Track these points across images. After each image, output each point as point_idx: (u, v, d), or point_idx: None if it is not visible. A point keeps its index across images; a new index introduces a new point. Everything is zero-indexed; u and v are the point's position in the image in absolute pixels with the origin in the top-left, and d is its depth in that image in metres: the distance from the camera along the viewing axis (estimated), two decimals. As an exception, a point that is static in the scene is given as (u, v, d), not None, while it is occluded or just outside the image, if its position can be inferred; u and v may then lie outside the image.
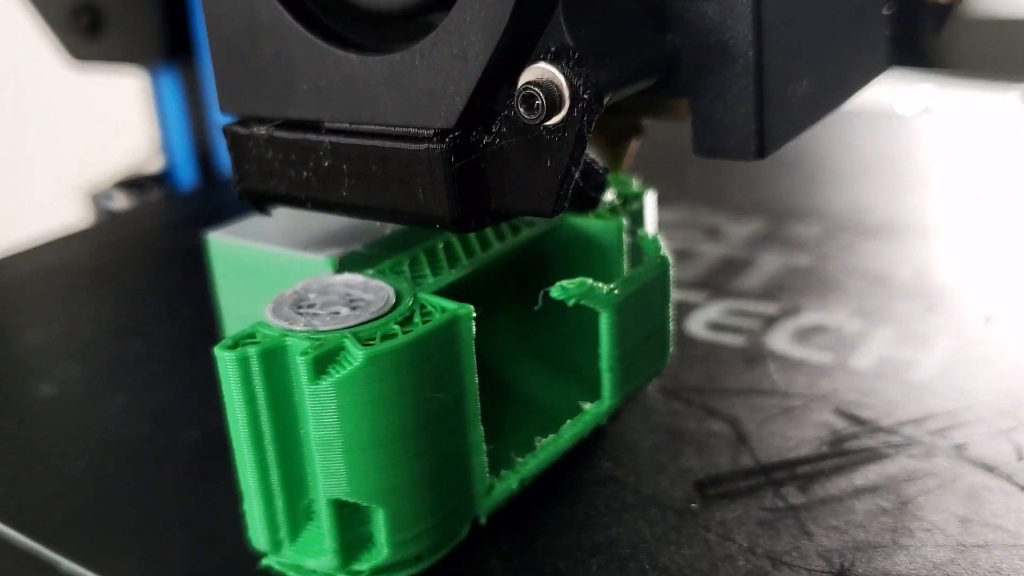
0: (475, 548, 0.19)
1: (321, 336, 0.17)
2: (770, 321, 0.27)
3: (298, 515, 0.18)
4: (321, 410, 0.17)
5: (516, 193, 0.17)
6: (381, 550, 0.18)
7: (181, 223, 0.40)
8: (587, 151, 0.18)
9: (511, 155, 0.17)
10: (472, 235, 0.21)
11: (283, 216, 0.23)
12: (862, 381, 0.24)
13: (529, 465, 0.20)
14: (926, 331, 0.26)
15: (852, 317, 0.27)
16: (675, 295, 0.21)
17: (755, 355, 0.25)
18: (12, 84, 0.75)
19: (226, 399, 0.18)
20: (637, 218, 0.22)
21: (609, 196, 0.22)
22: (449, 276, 0.20)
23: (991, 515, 0.19)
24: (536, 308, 0.19)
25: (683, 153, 0.20)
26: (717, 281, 0.29)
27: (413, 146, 0.18)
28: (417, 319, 0.18)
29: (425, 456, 0.18)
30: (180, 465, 0.23)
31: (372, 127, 0.18)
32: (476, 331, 0.18)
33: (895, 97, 0.50)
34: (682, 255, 0.31)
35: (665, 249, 0.21)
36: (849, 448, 0.21)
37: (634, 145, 0.23)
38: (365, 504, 0.18)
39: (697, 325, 0.27)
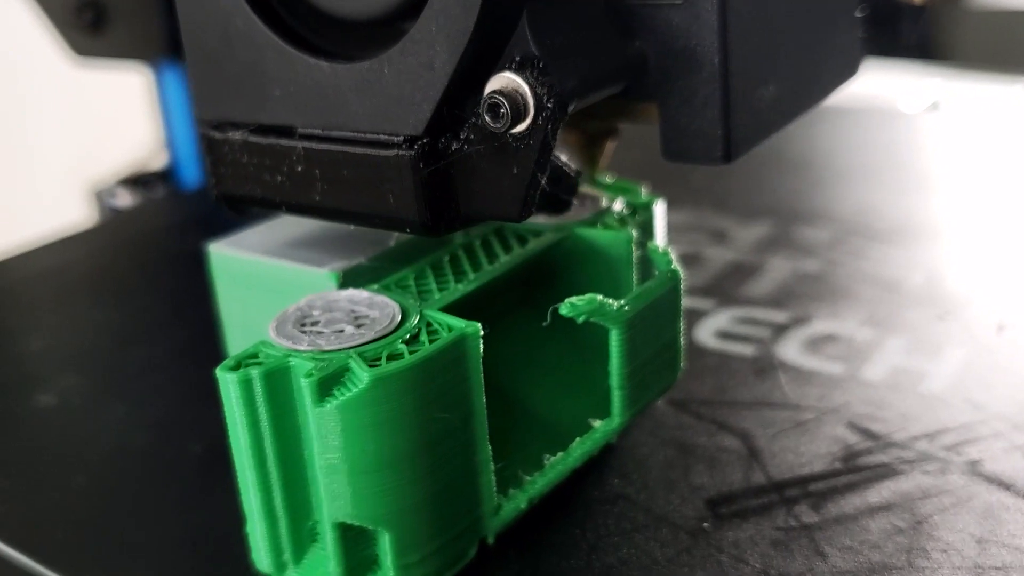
0: (483, 569, 0.19)
1: (326, 356, 0.17)
2: (780, 330, 0.26)
3: (302, 537, 0.18)
4: (326, 432, 0.17)
5: (484, 198, 0.18)
6: (387, 573, 0.18)
7: (185, 223, 0.40)
8: (561, 154, 0.19)
9: (479, 161, 0.18)
10: (479, 248, 0.21)
11: (286, 226, 0.23)
12: (874, 393, 0.23)
13: (538, 484, 0.19)
14: (939, 340, 0.25)
15: (863, 326, 0.26)
16: (683, 302, 0.21)
17: (765, 365, 0.25)
18: (15, 80, 0.75)
19: (228, 420, 0.17)
20: (646, 228, 0.22)
21: (618, 206, 0.22)
22: (456, 291, 0.19)
23: (1008, 535, 0.19)
24: (544, 324, 0.19)
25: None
26: (725, 288, 0.29)
27: (383, 152, 0.18)
28: (424, 338, 0.18)
29: (431, 477, 0.18)
30: (183, 479, 0.22)
31: (343, 133, 0.19)
32: (483, 347, 0.18)
33: (901, 94, 0.49)
34: (689, 260, 0.31)
35: (676, 262, 0.20)
36: (862, 464, 0.21)
37: (609, 147, 0.23)
38: (370, 527, 0.17)
39: (706, 334, 0.26)
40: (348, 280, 0.20)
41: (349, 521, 0.17)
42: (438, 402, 0.17)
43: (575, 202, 0.21)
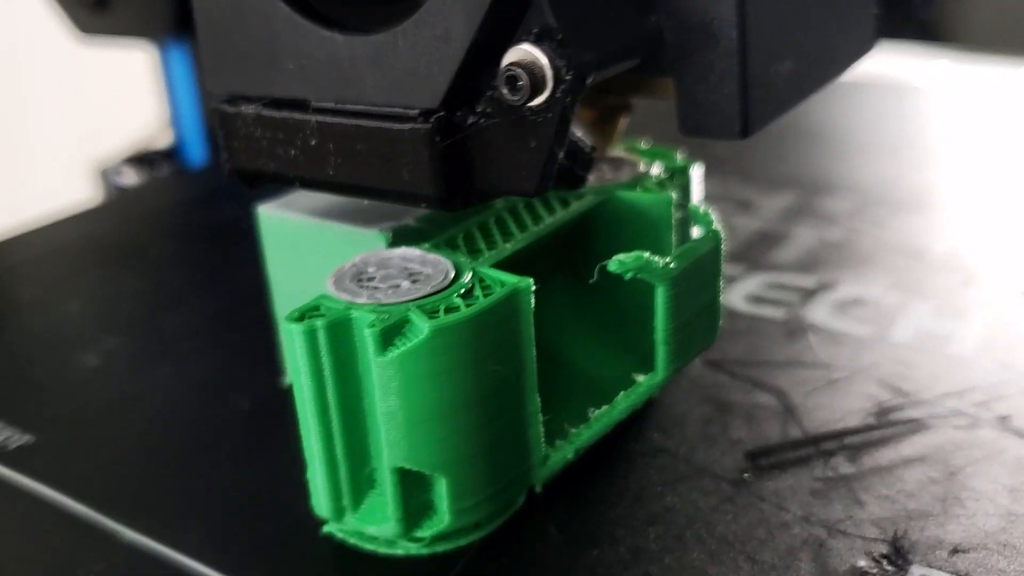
0: (532, 517, 0.19)
1: (386, 309, 0.18)
2: (808, 294, 0.27)
3: (361, 483, 0.19)
4: (387, 382, 0.17)
5: (500, 172, 0.18)
6: (443, 517, 0.18)
7: (199, 199, 0.40)
8: (575, 130, 0.19)
9: (495, 135, 0.18)
10: (523, 209, 0.21)
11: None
12: (903, 354, 0.24)
13: (584, 435, 0.20)
14: (963, 305, 0.26)
15: (889, 291, 0.27)
16: (718, 266, 0.22)
17: (796, 328, 0.25)
18: (20, 59, 0.75)
19: (292, 370, 0.18)
20: (684, 192, 0.23)
21: (656, 170, 0.23)
22: (505, 250, 0.20)
23: (1039, 485, 0.19)
24: (591, 281, 0.20)
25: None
26: (753, 254, 0.29)
27: (398, 126, 0.18)
28: (478, 292, 0.18)
29: (486, 427, 0.18)
30: (232, 435, 0.23)
31: (357, 107, 0.19)
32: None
33: (916, 71, 0.50)
34: (714, 229, 0.32)
35: (716, 223, 0.21)
36: (895, 419, 0.22)
37: (623, 123, 0.24)
38: (428, 473, 0.18)
39: (737, 298, 0.27)
40: (397, 240, 0.21)
41: (408, 467, 0.18)
42: (493, 354, 0.18)
43: (611, 167, 0.22)
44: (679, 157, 0.23)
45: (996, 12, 0.49)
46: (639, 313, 0.21)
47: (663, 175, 0.22)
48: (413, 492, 0.18)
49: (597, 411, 0.20)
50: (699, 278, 0.20)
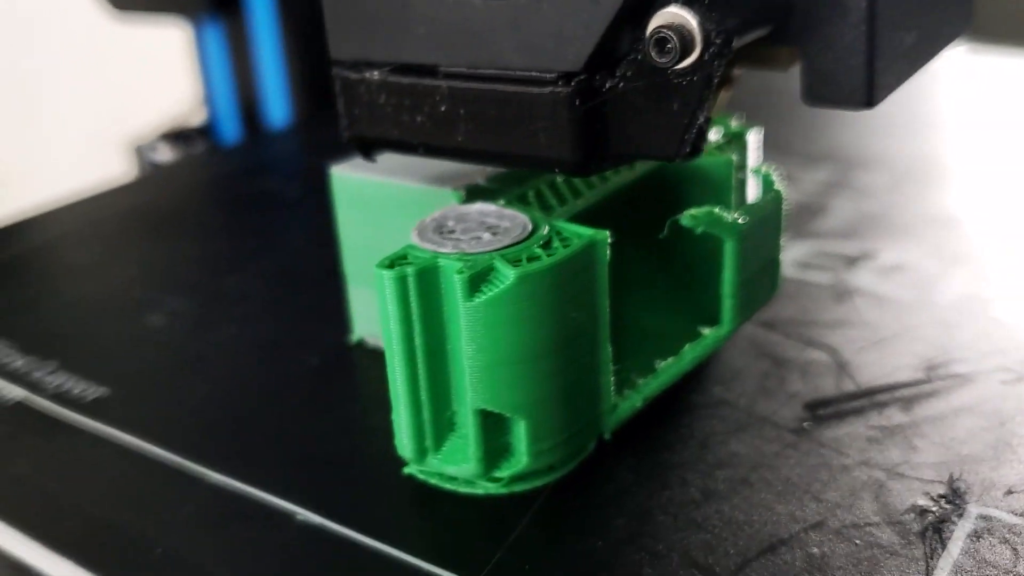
0: (603, 462, 0.20)
1: (471, 258, 0.19)
2: (852, 261, 0.28)
3: (442, 426, 0.20)
4: (473, 326, 0.18)
5: (640, 136, 0.18)
6: (521, 459, 0.19)
7: (240, 172, 0.41)
8: None
9: (636, 98, 0.18)
10: (589, 169, 0.22)
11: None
12: (947, 315, 0.25)
13: (652, 385, 0.21)
14: (1003, 271, 0.27)
15: (928, 257, 0.28)
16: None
17: (842, 291, 0.26)
18: (53, 36, 0.75)
19: (382, 316, 0.19)
20: (741, 155, 0.23)
21: (715, 135, 0.23)
22: (576, 205, 0.21)
23: (1087, 434, 0.20)
24: (662, 236, 0.20)
25: (747, 101, 0.21)
26: (797, 224, 0.30)
27: (536, 90, 0.18)
28: (557, 243, 0.19)
29: (564, 372, 0.19)
30: (305, 387, 0.24)
31: (491, 71, 0.18)
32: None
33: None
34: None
35: (779, 184, 0.22)
36: (943, 374, 0.22)
37: (724, 96, 0.24)
38: (509, 415, 0.19)
39: (785, 264, 0.28)
40: (470, 197, 0.22)
41: (489, 409, 0.19)
42: (571, 302, 0.19)
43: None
44: (735, 123, 0.24)
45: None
46: (704, 269, 0.22)
47: (722, 139, 0.23)
48: (493, 434, 0.19)
49: (664, 363, 0.21)
50: (763, 235, 0.21)
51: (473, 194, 0.22)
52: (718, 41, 0.17)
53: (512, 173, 0.22)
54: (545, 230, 0.20)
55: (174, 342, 0.27)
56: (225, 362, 0.25)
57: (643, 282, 0.23)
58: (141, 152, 0.50)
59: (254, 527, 0.19)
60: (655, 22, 0.17)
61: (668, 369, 0.21)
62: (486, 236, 0.19)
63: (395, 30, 0.19)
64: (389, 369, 0.19)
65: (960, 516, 0.18)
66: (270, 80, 0.47)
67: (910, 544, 0.18)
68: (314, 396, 0.23)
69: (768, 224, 0.21)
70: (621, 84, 0.18)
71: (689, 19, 0.17)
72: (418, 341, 0.19)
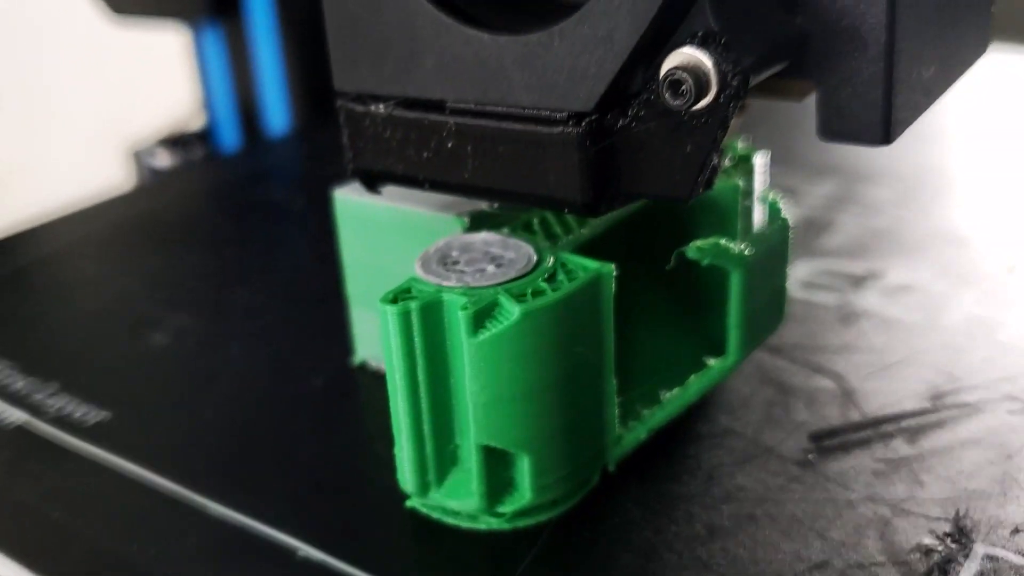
0: (608, 495, 0.20)
1: (475, 292, 0.18)
2: (858, 281, 0.28)
3: (445, 460, 0.19)
4: (477, 362, 0.18)
5: (652, 177, 0.17)
6: (524, 494, 0.19)
7: (241, 180, 0.41)
8: None
9: (649, 139, 0.17)
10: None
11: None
12: (954, 339, 0.25)
13: (657, 416, 0.21)
14: (1010, 291, 0.27)
15: (937, 278, 0.28)
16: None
17: (849, 313, 0.26)
18: (51, 40, 0.75)
19: (384, 349, 0.19)
20: (748, 179, 0.23)
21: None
22: (582, 234, 0.21)
23: (1094, 468, 0.20)
24: (668, 267, 0.20)
25: (751, 114, 0.21)
26: (802, 241, 0.30)
27: (546, 129, 0.18)
28: (562, 277, 0.19)
29: (567, 407, 0.19)
30: (308, 412, 0.24)
31: (500, 108, 0.18)
32: (607, 289, 0.19)
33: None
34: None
35: (785, 212, 0.22)
36: (950, 403, 0.22)
37: (736, 123, 0.24)
38: (511, 451, 0.19)
39: (790, 284, 0.27)
40: (474, 224, 0.21)
41: (493, 445, 0.19)
42: (576, 337, 0.19)
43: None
44: (741, 145, 0.24)
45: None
46: (710, 298, 0.21)
47: (728, 163, 0.23)
48: (496, 469, 0.19)
49: (669, 393, 0.21)
50: (769, 265, 0.21)
51: (477, 221, 0.21)
52: (734, 83, 0.16)
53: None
54: (550, 262, 0.19)
55: (177, 362, 0.26)
56: (228, 384, 0.25)
57: (649, 310, 0.22)
58: (139, 157, 0.49)
59: (255, 562, 0.19)
60: (669, 63, 0.17)
61: (673, 400, 0.21)
62: (490, 268, 0.19)
63: (402, 63, 0.19)
64: (391, 402, 0.19)
65: (966, 556, 0.18)
66: (269, 86, 0.47)
67: (916, 585, 0.18)
68: (317, 422, 0.23)
69: (774, 254, 0.21)
70: (633, 124, 0.17)
71: (704, 60, 0.16)
72: (421, 375, 0.19)
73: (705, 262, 0.20)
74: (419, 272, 0.19)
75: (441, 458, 0.19)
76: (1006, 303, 0.26)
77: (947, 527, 0.19)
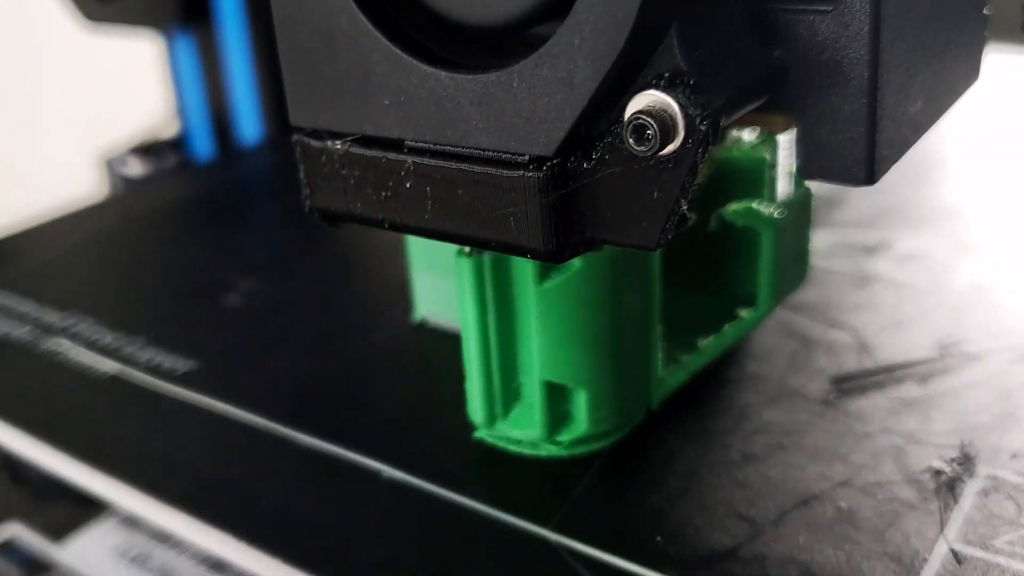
0: (652, 430, 0.23)
1: (540, 246, 0.21)
2: (870, 250, 0.30)
3: (510, 395, 0.22)
4: (543, 307, 0.21)
5: (617, 224, 0.17)
6: (580, 424, 0.22)
7: (259, 175, 0.43)
8: None
9: (613, 185, 0.16)
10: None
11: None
12: (958, 300, 0.27)
13: (696, 361, 0.23)
14: (1010, 260, 0.29)
15: (942, 248, 0.30)
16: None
17: (862, 278, 0.29)
18: (24, 49, 0.74)
19: (459, 297, 0.21)
20: (773, 154, 0.26)
21: (748, 135, 0.26)
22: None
23: (1083, 406, 0.23)
24: (709, 229, 0.23)
25: None
26: (819, 215, 0.33)
27: (506, 172, 0.17)
28: (614, 234, 0.21)
29: (620, 347, 0.22)
30: (376, 364, 0.26)
31: (460, 149, 0.17)
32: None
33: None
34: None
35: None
36: (955, 352, 0.25)
37: (711, 151, 0.26)
38: (571, 386, 0.21)
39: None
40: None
41: (554, 380, 0.21)
42: (629, 285, 0.21)
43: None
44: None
45: None
46: (741, 257, 0.24)
47: (756, 139, 0.26)
48: (556, 403, 0.22)
49: (706, 341, 0.24)
50: (795, 227, 0.24)
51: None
52: (703, 127, 0.15)
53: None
54: (603, 220, 0.22)
55: (251, 321, 0.29)
56: (301, 338, 0.28)
57: (686, 267, 0.25)
58: (112, 166, 0.48)
59: (346, 483, 0.22)
60: (633, 106, 0.15)
61: (710, 347, 0.23)
62: (551, 227, 0.22)
63: (358, 100, 0.18)
64: (464, 344, 0.22)
65: (970, 476, 0.21)
66: (241, 94, 0.46)
67: (926, 500, 0.20)
68: (385, 370, 0.26)
69: (799, 218, 0.24)
70: (597, 168, 0.16)
71: (671, 104, 0.15)
72: (491, 320, 0.21)
73: (739, 223, 0.22)
74: (488, 230, 0.22)
75: (507, 393, 0.22)
76: (1005, 270, 0.29)
77: (954, 453, 0.21)
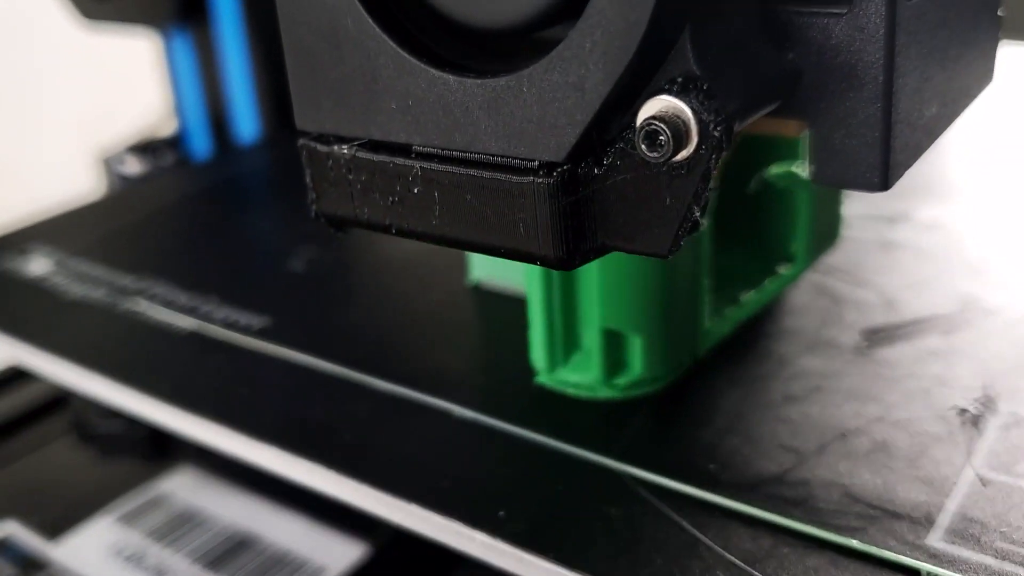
0: (700, 375, 0.25)
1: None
2: (892, 219, 0.32)
3: (570, 343, 0.24)
4: (604, 261, 0.23)
5: (628, 231, 0.16)
6: (635, 369, 0.24)
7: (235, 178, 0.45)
8: None
9: (625, 191, 0.16)
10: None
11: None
12: (976, 263, 0.29)
13: (738, 313, 0.25)
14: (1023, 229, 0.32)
15: (958, 218, 0.32)
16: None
17: (886, 244, 0.31)
18: (24, 44, 0.74)
19: (526, 252, 0.23)
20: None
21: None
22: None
23: (1095, 355, 0.25)
24: (749, 190, 0.25)
25: None
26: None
27: (516, 178, 0.16)
28: (667, 194, 0.23)
29: (673, 299, 0.24)
30: (438, 318, 0.28)
31: (468, 155, 0.17)
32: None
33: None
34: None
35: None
36: (975, 307, 0.27)
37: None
38: (627, 333, 0.24)
39: (834, 221, 0.32)
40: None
41: (612, 327, 0.23)
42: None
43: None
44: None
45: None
46: (780, 218, 0.26)
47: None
48: (612, 350, 0.24)
49: (747, 295, 0.26)
50: (829, 193, 0.26)
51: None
52: (716, 133, 0.15)
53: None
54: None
55: (315, 283, 0.31)
56: (364, 297, 0.30)
57: (730, 227, 0.27)
58: (109, 164, 0.47)
59: (421, 420, 0.24)
60: (645, 112, 0.15)
61: (751, 300, 0.26)
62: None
63: (365, 104, 0.18)
64: (528, 295, 0.24)
65: (993, 413, 0.23)
66: (239, 93, 0.46)
67: (953, 433, 0.22)
68: (446, 325, 0.28)
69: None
70: (608, 174, 0.16)
71: (684, 110, 0.15)
72: (554, 273, 0.23)
73: (781, 185, 0.25)
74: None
75: (567, 341, 0.24)
76: (1021, 236, 0.31)
77: (977, 394, 0.23)
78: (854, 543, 0.19)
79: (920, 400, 0.23)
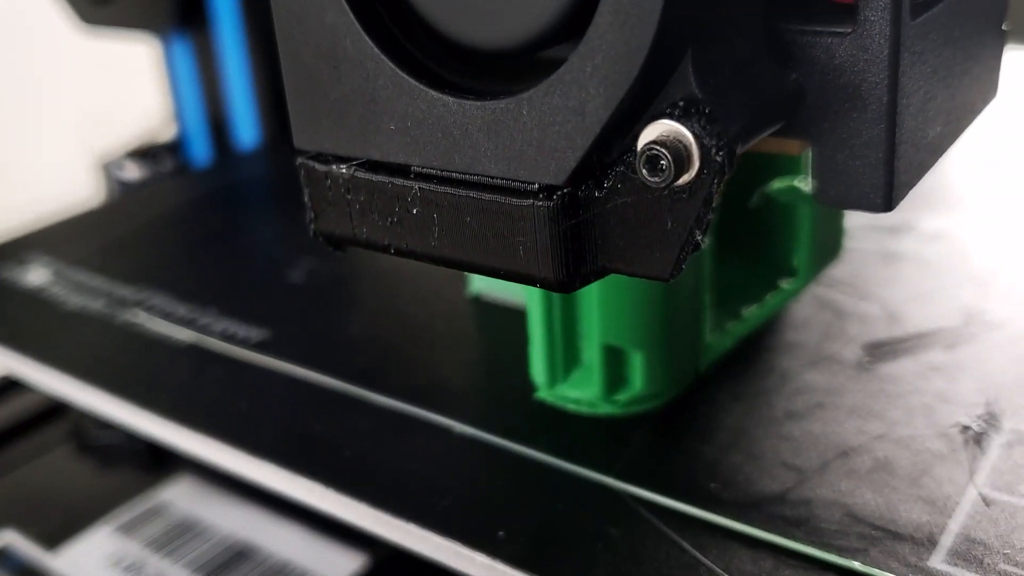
0: (701, 391, 0.25)
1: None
2: (895, 230, 0.32)
3: (570, 359, 0.24)
4: (604, 280, 0.23)
5: (630, 254, 0.16)
6: (636, 385, 0.24)
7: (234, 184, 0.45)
8: None
9: (625, 214, 0.16)
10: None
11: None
12: (979, 274, 0.29)
13: (740, 328, 0.25)
14: (1025, 240, 0.31)
15: (962, 229, 0.32)
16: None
17: (888, 255, 0.31)
18: (23, 48, 0.73)
19: (527, 267, 0.23)
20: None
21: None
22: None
23: (1099, 370, 0.25)
24: (751, 204, 0.25)
25: None
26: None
27: (516, 201, 0.16)
28: (668, 209, 0.23)
29: (673, 316, 0.23)
30: (438, 331, 0.28)
31: (468, 176, 0.17)
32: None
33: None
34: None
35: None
36: (979, 321, 0.27)
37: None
38: (628, 349, 0.23)
39: (836, 232, 0.32)
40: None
41: (613, 344, 0.23)
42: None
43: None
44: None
45: None
46: (782, 232, 0.26)
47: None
48: (613, 366, 0.24)
49: (749, 310, 0.25)
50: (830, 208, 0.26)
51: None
52: (718, 157, 0.15)
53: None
54: (656, 198, 0.24)
55: (315, 294, 0.31)
56: (365, 309, 0.30)
57: (731, 241, 0.27)
58: (108, 170, 0.47)
59: (422, 436, 0.24)
60: (646, 136, 0.15)
61: (753, 315, 0.25)
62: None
63: (363, 124, 0.18)
64: (528, 311, 0.24)
65: (996, 431, 0.23)
66: (238, 98, 0.46)
67: (955, 451, 0.22)
68: (446, 338, 0.28)
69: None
70: (609, 198, 0.16)
71: (685, 134, 0.15)
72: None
73: (782, 199, 0.24)
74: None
75: (567, 357, 0.24)
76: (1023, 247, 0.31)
77: (980, 411, 0.23)
78: (856, 565, 0.19)
79: (923, 417, 0.23)
